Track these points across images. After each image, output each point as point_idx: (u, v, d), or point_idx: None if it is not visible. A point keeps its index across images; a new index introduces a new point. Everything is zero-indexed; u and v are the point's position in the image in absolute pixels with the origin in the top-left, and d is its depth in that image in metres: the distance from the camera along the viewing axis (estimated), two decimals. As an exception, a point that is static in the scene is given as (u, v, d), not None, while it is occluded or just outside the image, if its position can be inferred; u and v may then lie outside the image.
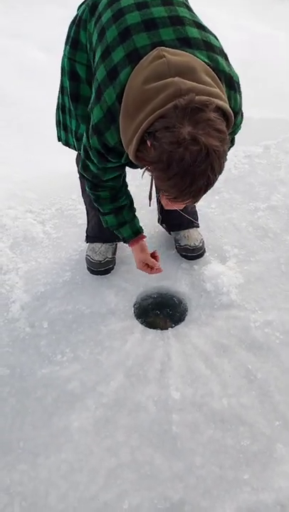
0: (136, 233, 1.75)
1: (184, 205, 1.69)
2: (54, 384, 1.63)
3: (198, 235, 2.08)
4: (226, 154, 1.09)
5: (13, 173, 2.71)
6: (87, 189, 1.61)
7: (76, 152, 1.82)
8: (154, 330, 1.83)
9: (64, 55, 1.56)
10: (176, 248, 2.11)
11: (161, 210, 2.10)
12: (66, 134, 1.72)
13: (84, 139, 1.41)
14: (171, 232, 2.14)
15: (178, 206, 1.65)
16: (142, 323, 1.85)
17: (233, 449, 1.46)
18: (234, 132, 1.48)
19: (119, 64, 1.21)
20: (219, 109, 1.08)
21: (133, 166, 1.45)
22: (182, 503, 1.34)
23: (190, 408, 1.56)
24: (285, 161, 2.65)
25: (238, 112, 1.32)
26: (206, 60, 1.19)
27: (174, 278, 2.00)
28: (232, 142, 1.59)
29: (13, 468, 1.43)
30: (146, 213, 2.21)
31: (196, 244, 2.04)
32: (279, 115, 3.03)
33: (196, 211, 2.11)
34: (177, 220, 2.06)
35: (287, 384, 1.61)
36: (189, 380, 1.63)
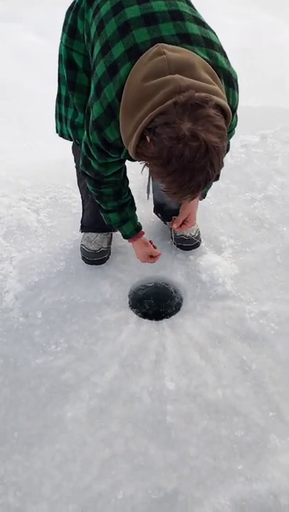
0: (137, 229, 1.77)
1: (194, 223, 1.77)
2: (48, 374, 1.62)
3: (195, 225, 2.06)
4: (225, 151, 1.09)
5: (7, 160, 2.67)
6: (89, 188, 1.59)
7: (71, 142, 1.79)
8: (149, 320, 1.82)
9: (61, 42, 1.53)
10: (172, 238, 2.09)
11: (156, 200, 2.08)
12: (61, 124, 1.70)
13: (84, 135, 1.40)
14: (167, 222, 2.12)
15: (190, 226, 1.77)
16: (136, 314, 1.84)
17: (227, 439, 1.46)
18: (229, 135, 1.46)
19: (119, 60, 1.19)
20: (218, 106, 1.07)
21: (133, 159, 1.44)
22: (176, 493, 1.34)
23: (184, 399, 1.55)
24: (282, 151, 2.64)
25: (235, 110, 1.32)
26: (206, 57, 1.18)
27: (169, 268, 1.99)
28: (227, 148, 1.57)
29: (8, 459, 1.42)
30: (142, 202, 2.19)
31: (192, 234, 2.03)
32: (277, 104, 3.00)
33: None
34: (173, 210, 2.04)
35: (282, 375, 1.61)
36: (184, 370, 1.63)
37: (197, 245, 2.05)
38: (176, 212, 2.00)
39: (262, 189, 2.39)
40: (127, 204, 1.67)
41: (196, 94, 1.03)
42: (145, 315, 1.86)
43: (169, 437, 1.46)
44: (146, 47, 1.16)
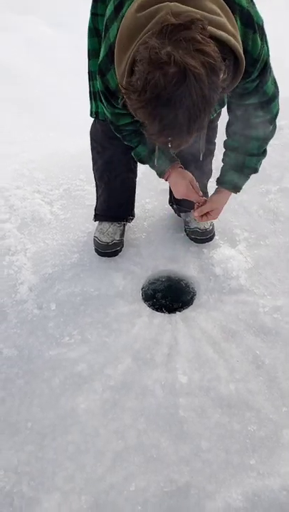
0: (172, 160, 1.61)
1: (216, 217, 1.64)
2: (61, 366, 1.63)
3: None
4: (216, 87, 0.94)
5: (21, 152, 2.68)
6: (113, 130, 1.52)
7: (88, 128, 1.77)
8: (162, 313, 1.82)
9: (90, 14, 1.49)
10: (186, 231, 2.08)
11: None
12: (95, 102, 1.66)
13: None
14: (181, 214, 2.11)
15: (212, 219, 1.64)
16: (149, 307, 1.84)
17: (240, 434, 1.45)
18: (271, 112, 1.39)
19: None
20: (218, 41, 0.95)
21: None
22: (188, 486, 1.35)
23: (197, 392, 1.55)
24: (299, 143, 2.59)
25: (257, 59, 1.17)
26: None
27: (182, 261, 1.98)
28: (273, 130, 1.48)
29: (21, 449, 1.44)
30: (156, 194, 2.19)
31: (206, 227, 2.01)
32: (294, 94, 2.94)
33: (207, 193, 2.07)
34: (188, 201, 2.02)
35: (296, 370, 1.60)
36: (197, 364, 1.63)
37: (211, 238, 2.04)
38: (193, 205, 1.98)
39: (277, 181, 2.35)
40: None
41: (182, 16, 0.91)
42: (158, 308, 1.85)
43: (181, 430, 1.47)
44: None
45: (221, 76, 0.95)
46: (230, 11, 1.05)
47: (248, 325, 1.74)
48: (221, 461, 1.40)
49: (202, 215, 1.69)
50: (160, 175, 1.64)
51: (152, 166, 1.62)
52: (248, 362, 1.63)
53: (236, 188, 1.66)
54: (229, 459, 1.40)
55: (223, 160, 1.64)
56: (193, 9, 0.97)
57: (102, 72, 1.24)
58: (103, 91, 1.30)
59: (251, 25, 1.12)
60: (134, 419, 1.49)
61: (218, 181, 1.67)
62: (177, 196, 1.70)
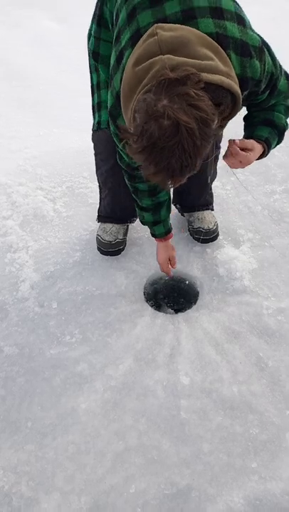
0: (167, 232, 1.76)
1: (251, 161, 1.39)
2: (62, 365, 1.62)
3: (212, 218, 2.03)
4: (208, 136, 0.99)
5: (24, 148, 2.66)
6: (126, 181, 1.58)
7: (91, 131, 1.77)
8: (164, 314, 1.80)
9: (90, 34, 1.53)
10: (189, 230, 2.06)
11: (176, 190, 2.04)
12: (98, 112, 1.68)
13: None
14: (185, 214, 2.09)
15: (247, 160, 1.37)
16: (152, 307, 1.82)
17: (242, 437, 1.44)
18: (279, 101, 1.36)
19: (124, 47, 1.18)
20: (211, 85, 1.01)
21: None
22: (189, 489, 1.33)
23: (199, 394, 1.54)
24: (304, 143, 2.56)
25: (260, 80, 1.19)
26: (211, 29, 1.10)
27: (185, 261, 1.96)
28: (287, 114, 1.42)
29: (21, 448, 1.42)
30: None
31: (210, 227, 1.99)
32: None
33: (211, 193, 2.05)
34: (191, 202, 2.01)
35: (299, 373, 1.58)
36: (199, 365, 1.61)
37: (215, 238, 2.02)
38: (198, 202, 1.97)
39: (282, 182, 2.33)
40: (163, 204, 1.64)
41: (179, 70, 0.98)
42: (160, 308, 1.84)
43: (182, 432, 1.45)
44: (146, 30, 1.11)
45: (215, 124, 1.00)
46: (221, 50, 1.09)
47: (252, 326, 1.72)
48: (222, 464, 1.39)
49: (242, 150, 1.35)
50: (152, 235, 1.78)
51: (149, 228, 1.76)
52: (251, 364, 1.61)
53: (267, 143, 1.40)
54: (231, 462, 1.39)
55: (248, 123, 1.45)
56: (187, 60, 1.02)
57: (114, 117, 1.28)
58: (117, 133, 1.32)
59: (247, 52, 1.15)
60: (135, 420, 1.48)
61: (248, 137, 1.41)
62: (158, 260, 1.85)
